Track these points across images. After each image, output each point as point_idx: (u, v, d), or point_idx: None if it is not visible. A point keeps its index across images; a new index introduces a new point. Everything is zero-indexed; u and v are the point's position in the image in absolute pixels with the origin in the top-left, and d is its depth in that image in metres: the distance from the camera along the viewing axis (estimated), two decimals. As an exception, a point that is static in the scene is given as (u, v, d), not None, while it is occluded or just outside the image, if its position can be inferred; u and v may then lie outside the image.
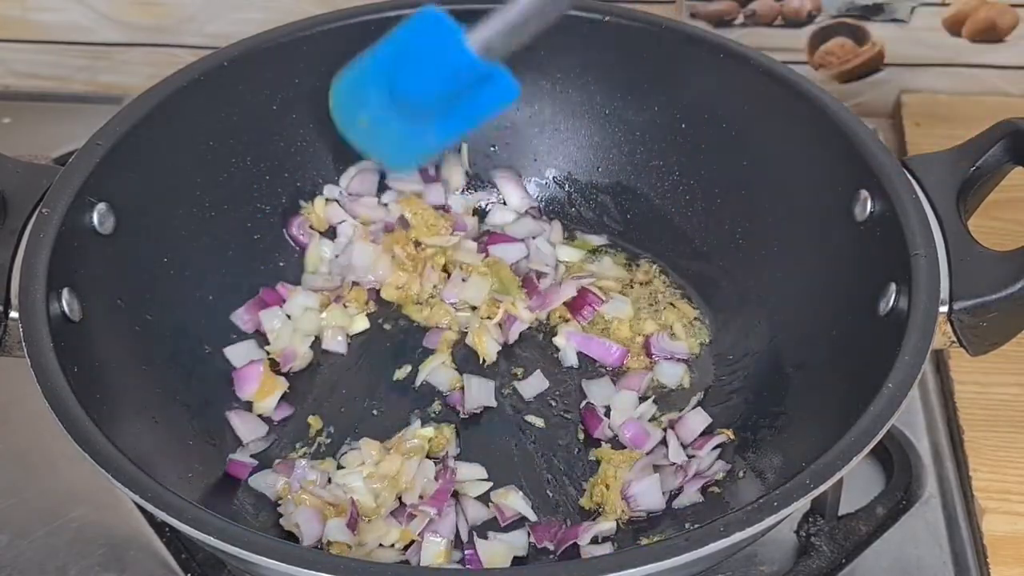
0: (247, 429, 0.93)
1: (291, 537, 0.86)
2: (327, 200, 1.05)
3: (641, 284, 1.04)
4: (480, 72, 0.80)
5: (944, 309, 0.81)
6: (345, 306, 1.02)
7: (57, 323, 0.80)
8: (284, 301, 1.01)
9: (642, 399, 0.96)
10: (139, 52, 1.30)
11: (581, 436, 0.94)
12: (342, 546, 0.85)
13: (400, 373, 0.98)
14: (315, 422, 0.94)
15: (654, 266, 1.05)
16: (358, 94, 0.86)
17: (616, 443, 0.94)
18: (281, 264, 1.04)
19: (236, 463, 0.91)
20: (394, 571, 0.77)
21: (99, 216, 0.88)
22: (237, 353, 0.98)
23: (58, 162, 1.11)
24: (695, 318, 1.01)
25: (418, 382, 0.97)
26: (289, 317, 1.00)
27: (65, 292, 0.83)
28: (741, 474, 0.89)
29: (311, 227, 1.05)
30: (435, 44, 0.80)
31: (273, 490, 0.89)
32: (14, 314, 0.80)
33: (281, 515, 0.88)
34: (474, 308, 1.02)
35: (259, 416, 0.95)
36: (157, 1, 1.26)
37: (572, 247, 1.07)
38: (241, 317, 1.00)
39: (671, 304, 1.02)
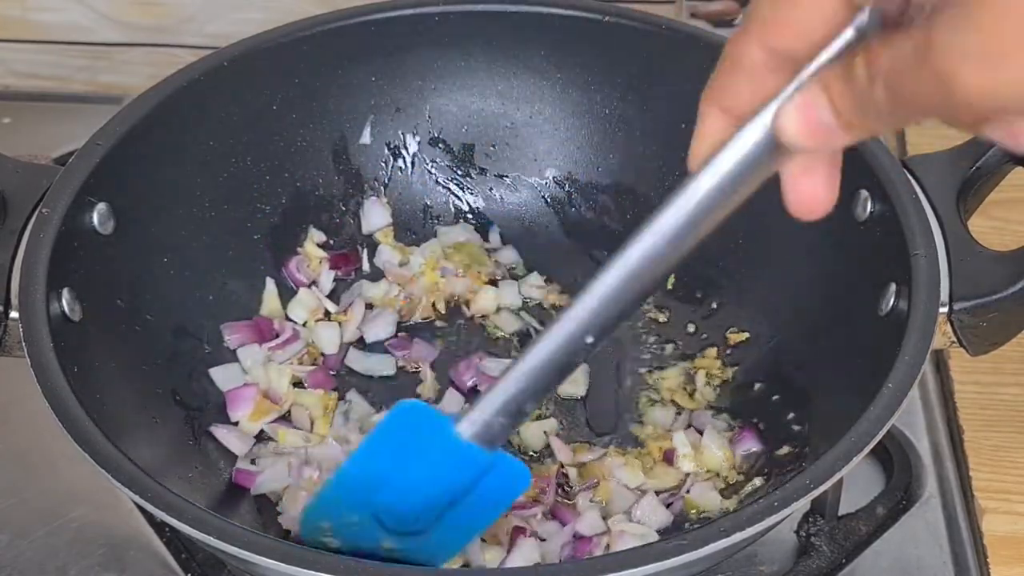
0: (238, 444, 0.92)
1: (291, 537, 0.86)
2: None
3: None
4: (482, 465, 0.67)
5: (944, 309, 0.81)
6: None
7: (57, 323, 0.80)
8: (277, 335, 0.99)
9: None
10: (139, 52, 1.30)
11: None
12: None
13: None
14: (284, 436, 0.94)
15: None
16: (332, 521, 0.72)
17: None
18: (281, 265, 1.04)
19: (242, 472, 0.90)
20: (394, 571, 0.77)
21: (99, 216, 0.88)
22: (223, 376, 0.96)
23: (58, 162, 1.10)
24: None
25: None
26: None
27: (65, 292, 0.82)
28: (741, 474, 0.89)
29: (309, 267, 1.04)
30: (419, 443, 0.67)
31: (276, 489, 0.89)
32: (14, 314, 0.80)
33: (280, 513, 0.88)
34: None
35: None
36: (157, 1, 1.26)
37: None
38: (231, 332, 0.98)
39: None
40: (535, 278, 1.06)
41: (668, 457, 0.91)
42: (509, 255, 1.08)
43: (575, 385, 0.97)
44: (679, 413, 0.96)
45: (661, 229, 0.60)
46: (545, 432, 0.93)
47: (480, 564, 0.82)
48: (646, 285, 0.61)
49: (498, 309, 1.03)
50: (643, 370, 0.99)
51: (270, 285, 1.02)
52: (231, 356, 0.98)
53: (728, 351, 0.99)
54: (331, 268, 1.04)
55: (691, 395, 0.96)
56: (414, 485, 0.69)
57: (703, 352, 0.99)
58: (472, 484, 0.69)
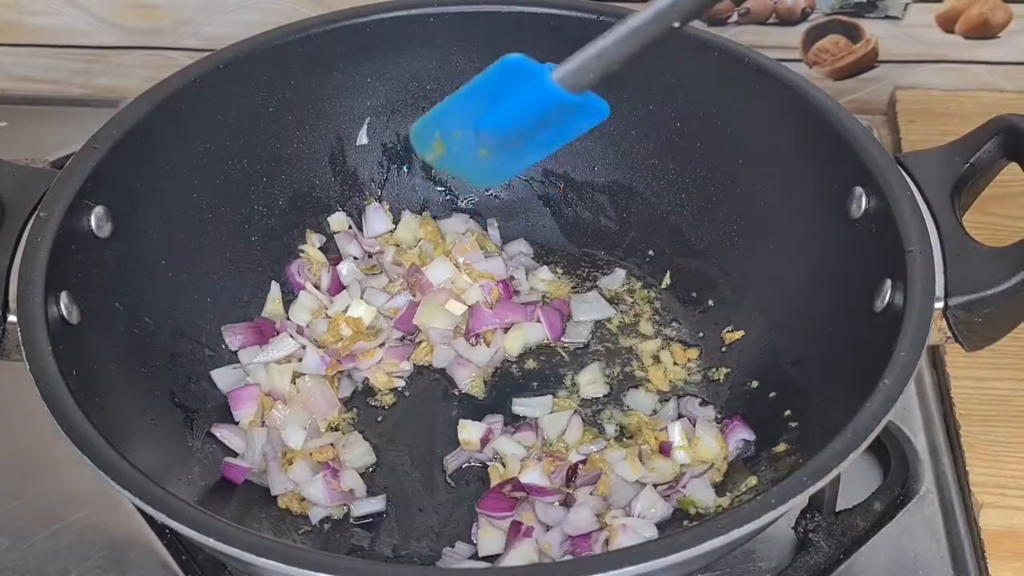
0: (241, 443, 0.94)
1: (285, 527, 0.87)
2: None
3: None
4: (569, 104, 0.78)
5: (940, 305, 0.81)
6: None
7: (55, 327, 0.80)
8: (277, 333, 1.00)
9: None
10: (135, 55, 1.30)
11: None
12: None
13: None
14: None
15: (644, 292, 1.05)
16: (440, 130, 0.84)
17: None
18: (278, 267, 1.04)
19: (231, 467, 0.91)
20: (394, 571, 0.77)
21: (96, 219, 0.88)
22: (224, 378, 0.97)
23: (55, 166, 1.11)
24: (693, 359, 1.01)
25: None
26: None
27: (63, 296, 0.83)
28: (739, 471, 0.90)
29: (311, 270, 1.04)
30: (521, 88, 0.78)
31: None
32: (12, 318, 0.80)
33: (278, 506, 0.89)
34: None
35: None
36: (153, 4, 1.26)
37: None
38: (232, 333, 0.99)
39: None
40: (545, 272, 1.06)
41: (664, 449, 0.92)
42: (519, 246, 1.09)
43: (597, 386, 0.98)
44: (662, 401, 0.97)
45: None
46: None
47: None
48: None
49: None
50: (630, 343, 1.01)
51: (274, 289, 1.02)
52: (231, 358, 0.98)
53: (723, 349, 0.99)
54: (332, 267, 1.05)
55: (664, 373, 0.99)
56: (513, 113, 0.79)
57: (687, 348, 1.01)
58: (557, 117, 0.79)
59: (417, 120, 0.84)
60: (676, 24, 0.73)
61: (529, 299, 1.04)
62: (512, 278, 1.04)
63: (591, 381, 0.99)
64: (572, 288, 1.06)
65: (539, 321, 1.01)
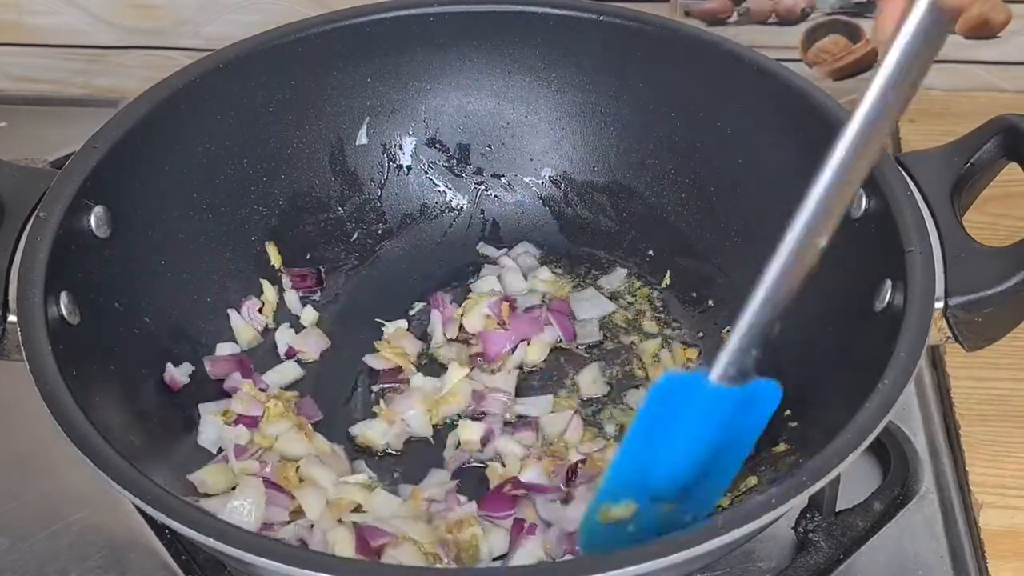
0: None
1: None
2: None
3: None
4: (739, 399, 0.71)
5: (939, 305, 0.81)
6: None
7: (55, 326, 0.80)
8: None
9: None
10: (135, 55, 1.30)
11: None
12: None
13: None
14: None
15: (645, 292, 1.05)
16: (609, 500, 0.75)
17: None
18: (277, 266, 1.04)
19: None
20: (393, 571, 0.77)
21: (96, 219, 0.88)
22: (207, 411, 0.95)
23: (55, 166, 1.11)
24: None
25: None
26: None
27: (63, 295, 0.83)
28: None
29: (260, 311, 1.02)
30: (685, 407, 0.71)
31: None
32: (12, 318, 0.81)
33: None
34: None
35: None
36: (153, 4, 1.26)
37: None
38: (213, 364, 0.97)
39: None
40: (546, 272, 1.06)
41: None
42: (524, 247, 1.09)
43: (597, 386, 0.98)
44: None
45: (866, 110, 0.67)
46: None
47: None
48: (863, 167, 0.67)
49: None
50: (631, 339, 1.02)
51: (234, 318, 1.00)
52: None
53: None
54: (293, 288, 1.04)
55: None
56: (684, 449, 0.72)
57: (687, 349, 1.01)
58: (733, 419, 0.73)
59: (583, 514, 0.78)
60: (823, 243, 0.69)
61: (530, 303, 1.03)
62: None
63: (591, 381, 0.99)
64: (572, 287, 1.06)
65: (550, 324, 1.01)
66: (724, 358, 0.70)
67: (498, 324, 1.01)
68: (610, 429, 0.95)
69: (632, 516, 0.76)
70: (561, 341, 1.01)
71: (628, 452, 0.75)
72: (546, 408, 0.96)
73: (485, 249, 1.09)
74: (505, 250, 1.08)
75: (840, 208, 0.68)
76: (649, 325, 1.03)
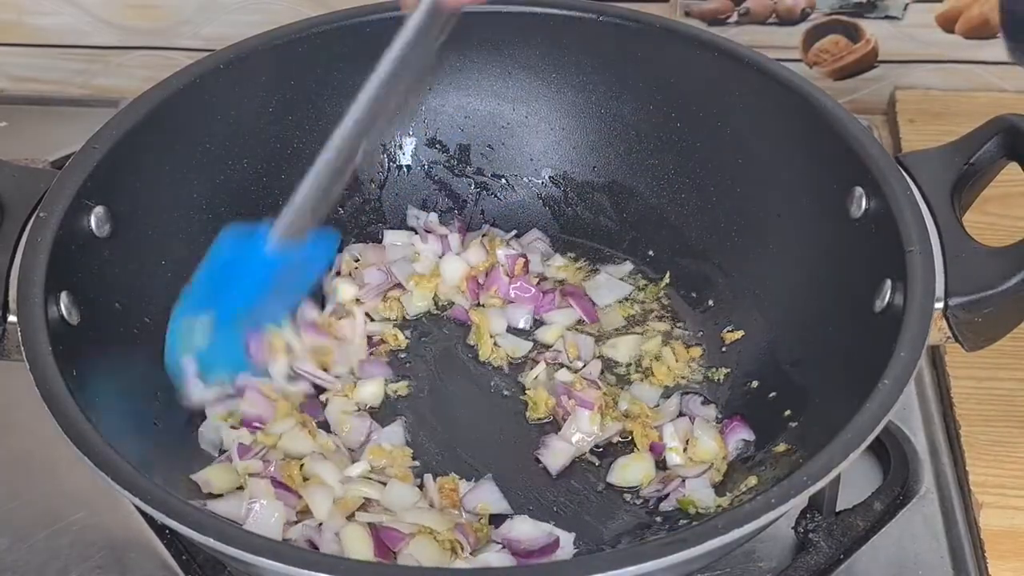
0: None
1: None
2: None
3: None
4: (299, 250, 0.86)
5: (940, 305, 0.81)
6: None
7: (55, 327, 0.80)
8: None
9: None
10: (135, 55, 1.30)
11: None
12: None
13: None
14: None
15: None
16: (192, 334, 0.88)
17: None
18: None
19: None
20: (394, 571, 0.78)
21: (96, 219, 0.88)
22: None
23: (55, 166, 1.11)
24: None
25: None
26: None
27: (63, 296, 0.83)
28: (739, 471, 0.90)
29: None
30: (243, 260, 0.87)
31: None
32: (12, 318, 0.81)
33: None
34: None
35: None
36: (153, 4, 1.26)
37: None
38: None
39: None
40: (559, 259, 1.07)
41: (656, 449, 0.92)
42: (534, 234, 1.09)
43: (625, 351, 1.01)
44: (665, 397, 0.97)
45: (397, 48, 0.83)
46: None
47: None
48: (399, 93, 0.84)
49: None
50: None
51: None
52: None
53: (723, 349, 0.99)
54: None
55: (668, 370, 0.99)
56: (250, 283, 0.87)
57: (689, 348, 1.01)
58: (294, 263, 0.87)
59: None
60: (366, 145, 0.84)
61: (547, 288, 1.04)
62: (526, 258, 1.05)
63: (626, 348, 1.00)
64: (584, 276, 1.06)
65: (568, 306, 1.03)
66: (279, 221, 0.85)
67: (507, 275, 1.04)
68: (622, 405, 0.96)
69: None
70: (582, 322, 1.02)
71: (198, 282, 0.88)
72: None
73: (493, 232, 1.09)
74: (515, 232, 1.09)
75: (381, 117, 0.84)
76: (658, 324, 1.03)
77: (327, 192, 0.85)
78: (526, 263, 1.04)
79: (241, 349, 0.90)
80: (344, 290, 1.02)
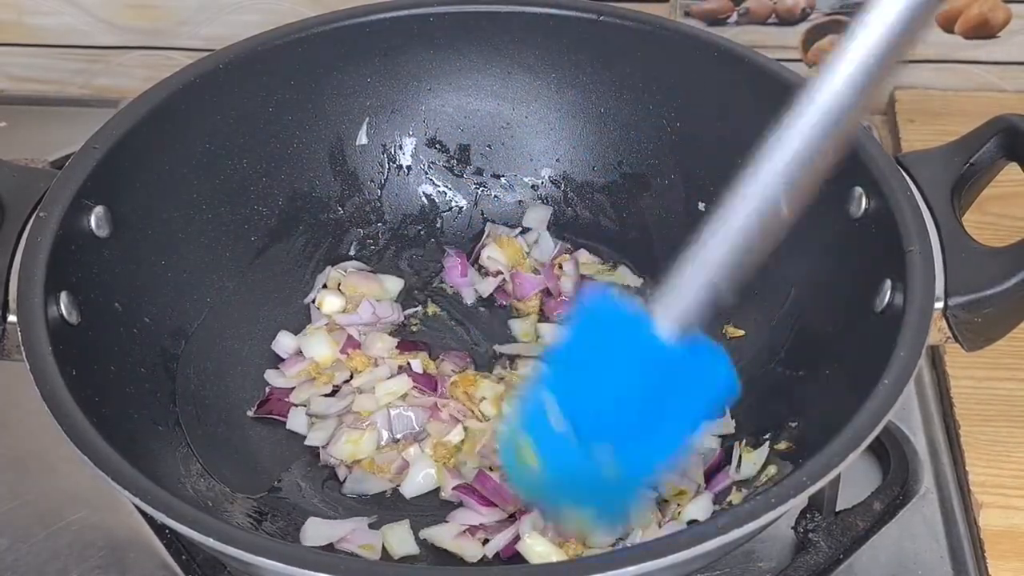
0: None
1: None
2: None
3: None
4: (678, 354, 0.62)
5: (939, 305, 0.81)
6: None
7: (55, 326, 0.80)
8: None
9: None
10: (135, 55, 1.30)
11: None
12: None
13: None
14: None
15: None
16: (527, 430, 0.65)
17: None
18: (277, 267, 1.04)
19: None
20: (394, 571, 0.78)
21: (96, 219, 0.88)
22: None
23: (55, 166, 1.11)
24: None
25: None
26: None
27: (63, 295, 0.83)
28: (739, 471, 0.89)
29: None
30: (610, 332, 0.62)
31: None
32: (12, 318, 0.80)
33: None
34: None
35: None
36: (152, 4, 1.26)
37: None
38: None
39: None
40: (584, 255, 1.07)
41: None
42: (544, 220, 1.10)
43: None
44: None
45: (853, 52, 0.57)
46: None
47: None
48: (845, 119, 0.58)
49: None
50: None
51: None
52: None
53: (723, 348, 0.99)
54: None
55: None
56: (608, 380, 0.62)
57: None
58: (671, 378, 0.62)
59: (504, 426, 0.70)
60: (785, 210, 0.61)
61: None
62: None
63: None
64: (611, 267, 1.07)
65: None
66: (663, 295, 0.61)
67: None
68: None
69: (539, 459, 0.65)
70: None
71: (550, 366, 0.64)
72: None
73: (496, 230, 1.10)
74: (519, 228, 1.10)
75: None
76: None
77: (730, 268, 0.62)
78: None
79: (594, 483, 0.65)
80: (330, 302, 1.02)
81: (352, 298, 1.03)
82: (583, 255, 1.07)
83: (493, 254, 1.06)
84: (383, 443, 0.93)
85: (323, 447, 0.94)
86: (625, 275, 1.06)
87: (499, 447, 0.70)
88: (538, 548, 0.82)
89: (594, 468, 0.63)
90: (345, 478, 0.92)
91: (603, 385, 0.63)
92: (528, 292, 1.04)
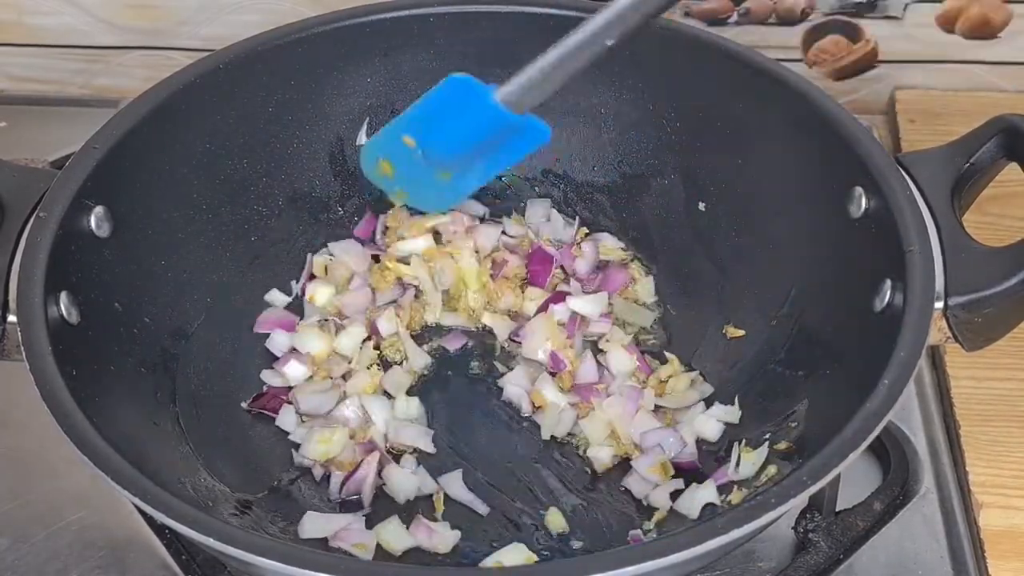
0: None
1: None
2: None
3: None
4: (511, 124, 0.81)
5: (939, 305, 0.81)
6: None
7: (55, 326, 0.80)
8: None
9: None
10: (135, 55, 1.30)
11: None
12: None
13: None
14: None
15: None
16: (388, 152, 0.87)
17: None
18: (278, 267, 1.04)
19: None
20: (394, 571, 0.78)
21: (96, 219, 0.88)
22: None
23: (55, 166, 1.11)
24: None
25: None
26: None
27: (63, 295, 0.83)
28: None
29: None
30: (465, 106, 0.82)
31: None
32: (12, 318, 0.80)
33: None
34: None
35: None
36: (152, 4, 1.26)
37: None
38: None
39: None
40: (609, 240, 1.08)
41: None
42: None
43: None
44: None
45: None
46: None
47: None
48: None
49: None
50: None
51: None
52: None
53: (723, 348, 0.99)
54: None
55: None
56: (458, 135, 0.83)
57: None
58: (501, 137, 0.82)
59: (365, 143, 0.87)
60: (610, 43, 0.77)
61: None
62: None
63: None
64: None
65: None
66: (510, 86, 0.80)
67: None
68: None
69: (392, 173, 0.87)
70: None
71: (410, 117, 0.85)
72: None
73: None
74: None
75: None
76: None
77: (565, 71, 0.79)
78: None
79: (429, 186, 0.87)
80: (320, 293, 1.03)
81: (341, 279, 1.04)
82: (607, 239, 1.07)
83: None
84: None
85: (295, 449, 0.94)
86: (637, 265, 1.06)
87: (363, 164, 0.89)
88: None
89: (430, 175, 0.85)
90: (322, 478, 0.93)
91: (449, 129, 0.84)
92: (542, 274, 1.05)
